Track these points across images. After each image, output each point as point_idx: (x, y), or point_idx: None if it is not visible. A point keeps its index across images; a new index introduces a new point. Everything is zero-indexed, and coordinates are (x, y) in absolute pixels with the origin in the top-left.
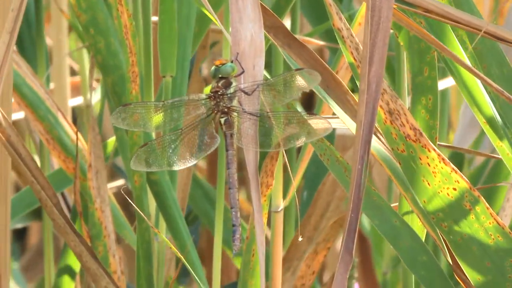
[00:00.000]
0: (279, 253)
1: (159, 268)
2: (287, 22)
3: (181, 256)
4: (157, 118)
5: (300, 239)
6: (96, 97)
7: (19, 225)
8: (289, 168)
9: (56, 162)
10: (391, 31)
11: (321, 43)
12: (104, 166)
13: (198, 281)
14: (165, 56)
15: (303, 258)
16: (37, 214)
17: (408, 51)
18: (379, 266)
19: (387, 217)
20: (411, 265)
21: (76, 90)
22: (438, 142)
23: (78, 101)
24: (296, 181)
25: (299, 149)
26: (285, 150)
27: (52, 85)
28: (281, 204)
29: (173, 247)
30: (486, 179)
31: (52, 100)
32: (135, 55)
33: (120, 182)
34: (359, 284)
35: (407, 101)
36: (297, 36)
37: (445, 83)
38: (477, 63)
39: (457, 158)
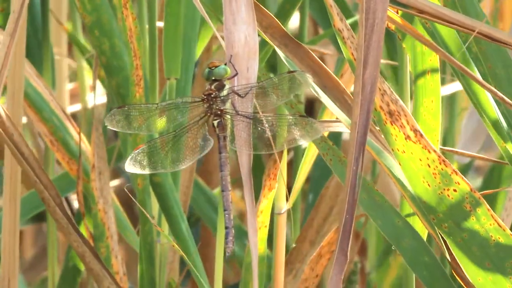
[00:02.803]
0: (281, 255)
1: (161, 270)
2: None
3: (185, 256)
4: (151, 120)
5: (293, 245)
6: (95, 100)
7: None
8: (283, 173)
9: (58, 167)
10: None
11: (325, 51)
12: (107, 167)
13: (202, 281)
14: (170, 58)
15: (305, 261)
16: (34, 217)
17: (411, 53)
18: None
19: (389, 218)
20: (413, 266)
21: (75, 97)
22: (440, 146)
23: (76, 107)
24: (299, 184)
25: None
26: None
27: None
28: (284, 206)
29: (176, 246)
30: (487, 180)
31: (56, 102)
32: (139, 58)
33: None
34: None
35: (410, 103)
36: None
37: (453, 87)
38: (482, 64)
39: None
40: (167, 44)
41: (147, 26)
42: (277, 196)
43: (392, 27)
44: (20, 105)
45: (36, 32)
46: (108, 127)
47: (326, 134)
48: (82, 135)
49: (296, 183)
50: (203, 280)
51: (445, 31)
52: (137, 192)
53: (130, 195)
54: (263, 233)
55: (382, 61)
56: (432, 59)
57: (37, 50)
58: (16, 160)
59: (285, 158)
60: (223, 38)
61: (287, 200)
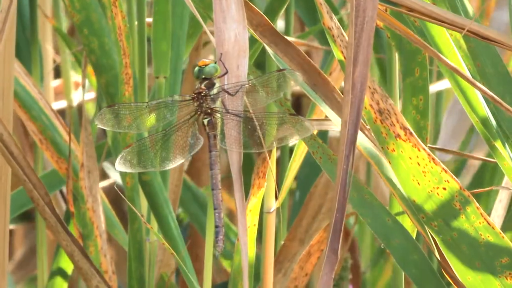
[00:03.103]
0: (270, 253)
1: (150, 269)
2: (280, 23)
3: (175, 254)
4: (141, 119)
5: (282, 242)
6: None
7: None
8: (272, 172)
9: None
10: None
11: (315, 45)
12: (96, 166)
13: (192, 279)
14: (159, 57)
15: (295, 260)
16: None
17: (399, 51)
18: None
19: (379, 216)
20: (402, 264)
21: (59, 94)
22: (429, 144)
23: (61, 104)
24: (288, 182)
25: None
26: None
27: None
28: (273, 205)
29: (166, 243)
30: (476, 179)
31: (45, 100)
32: (128, 57)
33: (111, 180)
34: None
35: (399, 102)
36: (290, 38)
37: (440, 85)
38: (471, 62)
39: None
40: (156, 42)
41: (136, 24)
42: (266, 194)
43: (381, 24)
44: (10, 105)
45: (24, 29)
46: (98, 126)
47: (315, 132)
48: (71, 134)
49: (285, 181)
50: (192, 278)
51: (434, 29)
52: (126, 190)
53: (120, 193)
54: (252, 232)
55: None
56: (421, 57)
57: (25, 46)
58: (5, 159)
59: (274, 156)
60: (213, 33)
61: (276, 198)
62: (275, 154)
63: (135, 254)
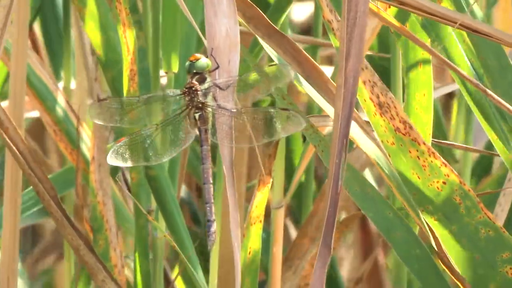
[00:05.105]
0: (279, 250)
1: (156, 264)
2: None
3: (180, 251)
4: (133, 113)
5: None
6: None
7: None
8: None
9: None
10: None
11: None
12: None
13: (197, 276)
14: (168, 52)
15: (305, 258)
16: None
17: (402, 47)
18: None
19: (380, 210)
20: (404, 258)
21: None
22: (432, 139)
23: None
24: (297, 178)
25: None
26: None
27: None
28: (282, 200)
29: (171, 241)
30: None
31: (61, 92)
32: (133, 53)
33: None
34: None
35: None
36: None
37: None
38: (474, 55)
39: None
40: (165, 38)
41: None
42: (275, 190)
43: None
44: (22, 99)
45: (57, 22)
46: (89, 119)
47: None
48: (85, 126)
49: (294, 177)
50: (198, 275)
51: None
52: (132, 186)
53: (125, 188)
54: (258, 228)
55: (374, 54)
56: (424, 52)
57: (57, 41)
58: (11, 154)
59: (283, 151)
60: (203, 33)
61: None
62: (284, 148)
63: (140, 250)
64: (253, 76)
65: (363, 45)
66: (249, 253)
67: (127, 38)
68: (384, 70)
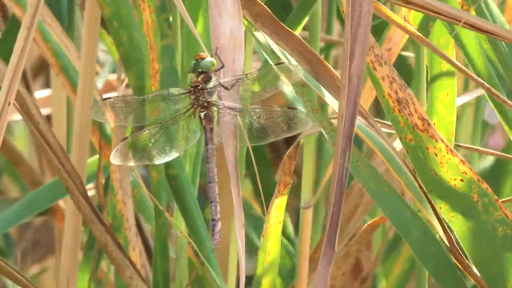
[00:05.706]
0: (306, 250)
1: (177, 264)
2: None
3: (198, 251)
4: (137, 112)
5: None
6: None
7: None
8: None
9: None
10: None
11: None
12: None
13: (215, 277)
14: (190, 53)
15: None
16: None
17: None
18: None
19: (397, 208)
20: (421, 257)
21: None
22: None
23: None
24: (327, 177)
25: None
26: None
27: None
28: (311, 200)
29: (187, 237)
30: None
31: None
32: (155, 52)
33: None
34: None
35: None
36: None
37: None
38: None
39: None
40: (187, 39)
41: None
42: (303, 190)
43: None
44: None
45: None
46: (93, 118)
47: None
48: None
49: (324, 176)
50: (216, 275)
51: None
52: (152, 184)
53: (144, 187)
54: (277, 229)
55: (403, 53)
56: (448, 53)
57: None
58: (41, 148)
59: (312, 151)
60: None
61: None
62: (313, 148)
63: (160, 249)
64: (260, 74)
65: (367, 45)
66: (268, 253)
67: (150, 36)
68: (407, 68)
